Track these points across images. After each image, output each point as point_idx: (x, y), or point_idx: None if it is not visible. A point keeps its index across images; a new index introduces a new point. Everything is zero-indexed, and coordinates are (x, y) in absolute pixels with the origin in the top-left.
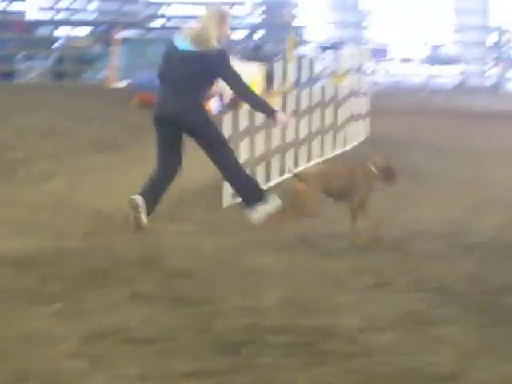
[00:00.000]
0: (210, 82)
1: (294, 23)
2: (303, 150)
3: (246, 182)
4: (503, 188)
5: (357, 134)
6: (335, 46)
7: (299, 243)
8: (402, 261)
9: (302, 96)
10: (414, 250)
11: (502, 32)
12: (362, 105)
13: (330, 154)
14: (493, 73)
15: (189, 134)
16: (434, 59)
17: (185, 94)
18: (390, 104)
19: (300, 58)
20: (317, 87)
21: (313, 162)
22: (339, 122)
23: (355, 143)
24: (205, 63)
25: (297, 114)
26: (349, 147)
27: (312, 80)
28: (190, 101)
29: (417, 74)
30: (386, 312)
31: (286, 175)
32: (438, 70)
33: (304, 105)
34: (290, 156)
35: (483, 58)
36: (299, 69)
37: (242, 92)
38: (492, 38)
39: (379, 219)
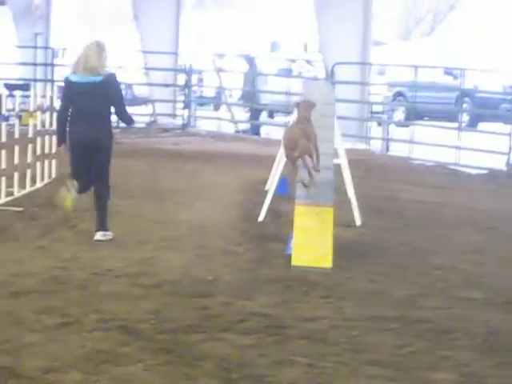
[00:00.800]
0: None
1: None
2: None
3: None
4: (189, 227)
5: (46, 173)
6: (24, 85)
7: None
8: (87, 300)
9: None
10: (100, 289)
11: (190, 73)
12: (51, 143)
13: (17, 193)
14: (182, 113)
15: (97, 154)
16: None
17: (100, 119)
18: None
19: None
20: (5, 125)
21: (1, 202)
22: (28, 161)
23: (44, 182)
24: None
25: None
26: (39, 186)
27: (1, 118)
28: (106, 125)
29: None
30: (71, 351)
31: None
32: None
33: None
34: None
35: (173, 98)
36: None
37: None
38: (181, 79)
39: (65, 259)
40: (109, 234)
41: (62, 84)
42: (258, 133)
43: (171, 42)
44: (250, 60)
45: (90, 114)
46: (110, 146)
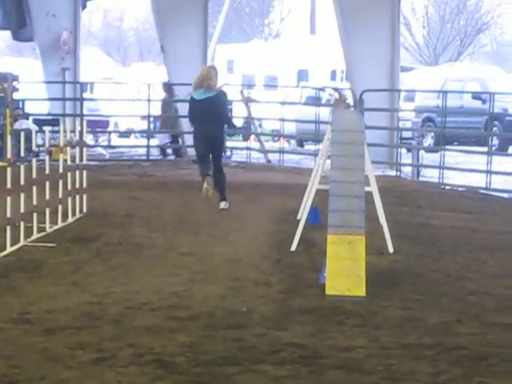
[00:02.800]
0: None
1: (14, 96)
2: (22, 226)
3: None
4: (222, 259)
5: (77, 208)
6: (53, 120)
7: (18, 320)
8: (121, 335)
9: (22, 170)
10: (134, 323)
11: None
12: (81, 179)
13: (48, 229)
14: None
15: (215, 144)
16: (152, 132)
17: (216, 121)
18: (110, 177)
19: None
20: (36, 161)
21: (33, 238)
22: (59, 197)
23: (76, 217)
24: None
25: (17, 188)
26: (70, 221)
27: (32, 154)
28: (220, 126)
29: (138, 146)
30: None
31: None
32: (155, 141)
33: (22, 179)
34: (8, 232)
35: None
36: (18, 142)
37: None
38: None
39: (98, 294)
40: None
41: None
42: (180, 155)
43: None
44: (168, 87)
45: (210, 118)
46: (223, 140)
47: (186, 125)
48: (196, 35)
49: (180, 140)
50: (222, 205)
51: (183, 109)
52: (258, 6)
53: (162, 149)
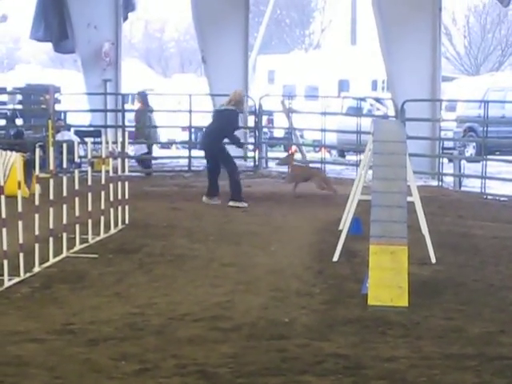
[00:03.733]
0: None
1: (56, 108)
2: (65, 237)
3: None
4: (264, 269)
5: (119, 219)
6: (95, 132)
7: (62, 331)
8: (164, 345)
9: (64, 181)
10: (177, 334)
11: (260, 114)
12: (123, 190)
13: (91, 240)
14: (253, 154)
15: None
16: (194, 143)
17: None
18: (151, 188)
19: (61, 144)
20: (78, 172)
21: (75, 249)
22: (101, 208)
23: (118, 228)
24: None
25: (59, 199)
26: (112, 232)
27: (74, 165)
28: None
29: (179, 157)
30: None
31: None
32: (198, 153)
33: (65, 190)
34: (51, 243)
35: (243, 140)
36: (61, 154)
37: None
38: (251, 121)
39: (141, 304)
40: (240, 204)
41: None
42: (149, 166)
43: (240, 84)
44: (143, 97)
45: (208, 131)
46: (218, 151)
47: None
48: (237, 46)
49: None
50: (230, 203)
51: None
52: (298, 17)
53: (141, 160)
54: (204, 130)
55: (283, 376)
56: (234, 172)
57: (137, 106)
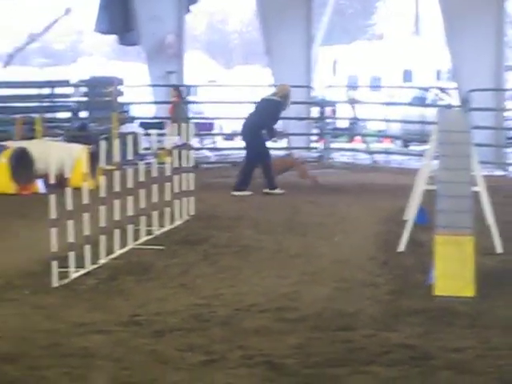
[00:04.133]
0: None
1: (119, 100)
2: (130, 229)
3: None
4: (329, 260)
5: (184, 211)
6: (159, 123)
7: (128, 323)
8: (230, 336)
9: (129, 173)
10: (243, 325)
11: (324, 105)
12: (188, 181)
13: (157, 231)
14: (317, 145)
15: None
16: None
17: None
18: (216, 180)
19: (125, 136)
20: (143, 164)
21: (141, 241)
22: (166, 199)
23: (183, 220)
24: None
25: (124, 191)
26: (177, 224)
27: (138, 157)
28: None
29: (243, 148)
30: None
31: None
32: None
33: (130, 182)
34: (116, 235)
35: (307, 130)
36: (125, 146)
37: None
38: (315, 111)
39: (207, 296)
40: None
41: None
42: None
43: (304, 74)
44: (179, 91)
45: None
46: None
47: None
48: (300, 37)
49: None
50: (266, 190)
51: None
52: (361, 7)
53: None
54: (245, 119)
55: (349, 366)
56: (266, 162)
57: (172, 99)
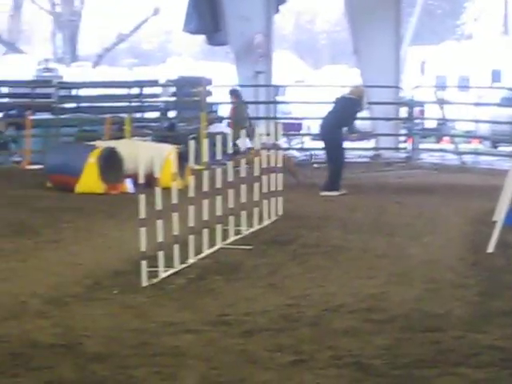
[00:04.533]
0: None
1: (208, 100)
2: (219, 229)
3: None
4: (418, 261)
5: (273, 211)
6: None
7: (217, 322)
8: (319, 337)
9: (217, 173)
10: (332, 325)
11: (412, 105)
12: (276, 181)
13: (245, 232)
14: (405, 146)
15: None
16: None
17: None
18: (305, 180)
19: (214, 136)
20: (232, 164)
21: (229, 241)
22: (254, 199)
23: (271, 220)
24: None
25: (212, 191)
26: (266, 223)
27: (226, 157)
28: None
29: None
30: None
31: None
32: (352, 144)
33: (219, 182)
34: (205, 234)
35: (396, 131)
36: (214, 146)
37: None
38: (403, 112)
39: (295, 296)
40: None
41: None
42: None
43: (392, 75)
44: (236, 93)
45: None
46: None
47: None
48: (389, 37)
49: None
50: (323, 193)
51: None
52: (450, 7)
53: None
54: (323, 119)
55: (438, 368)
56: (338, 164)
57: (232, 101)
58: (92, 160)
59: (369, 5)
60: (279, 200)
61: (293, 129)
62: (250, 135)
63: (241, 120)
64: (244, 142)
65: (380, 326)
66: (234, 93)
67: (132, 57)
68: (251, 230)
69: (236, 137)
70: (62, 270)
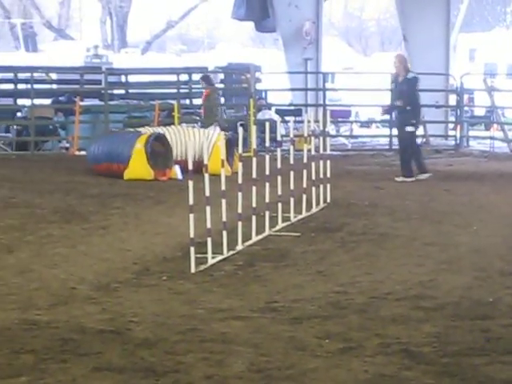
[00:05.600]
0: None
1: (257, 87)
2: (267, 215)
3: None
4: (467, 249)
5: (321, 198)
6: (296, 110)
7: (266, 309)
8: (368, 324)
9: (267, 160)
10: (380, 313)
11: (461, 93)
12: (325, 168)
13: (293, 219)
14: (454, 133)
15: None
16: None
17: None
18: (352, 167)
19: (263, 123)
20: (280, 151)
21: (277, 228)
22: (303, 186)
23: (319, 207)
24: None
25: (262, 178)
26: (314, 211)
27: (276, 144)
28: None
29: (379, 136)
30: (354, 376)
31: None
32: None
33: (267, 169)
34: (253, 221)
35: (444, 118)
36: (263, 133)
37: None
38: (453, 99)
39: (343, 283)
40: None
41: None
42: None
43: (441, 62)
44: (207, 78)
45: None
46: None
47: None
48: (438, 24)
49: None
50: (398, 179)
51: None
52: None
53: None
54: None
55: (488, 356)
56: (403, 150)
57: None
58: (139, 146)
59: None
60: (327, 187)
61: (342, 116)
62: (220, 123)
63: (213, 107)
64: (215, 130)
65: (428, 314)
66: (205, 79)
67: (181, 43)
68: (299, 217)
69: (208, 124)
70: (110, 256)
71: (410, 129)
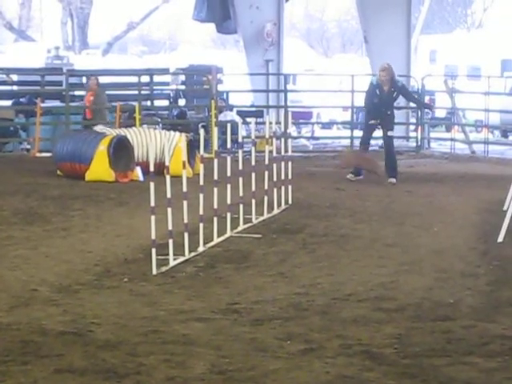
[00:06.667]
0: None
1: (218, 89)
2: (228, 217)
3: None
4: (428, 250)
5: (282, 199)
6: (257, 112)
7: (227, 311)
8: (329, 326)
9: (228, 161)
10: (341, 314)
11: (422, 94)
12: (286, 170)
13: (254, 220)
14: (415, 135)
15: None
16: (356, 123)
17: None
18: (314, 168)
19: (225, 124)
20: (242, 153)
21: (239, 229)
22: (265, 188)
23: (281, 208)
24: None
25: (223, 179)
26: (275, 212)
27: (237, 145)
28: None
29: (341, 137)
30: (315, 378)
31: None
32: (359, 133)
33: (229, 170)
34: (215, 223)
35: (406, 120)
36: (224, 134)
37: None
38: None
39: (305, 284)
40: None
41: None
42: None
43: (402, 63)
44: (95, 80)
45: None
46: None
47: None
48: (399, 26)
49: None
50: (391, 180)
51: None
52: None
53: None
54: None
55: (449, 357)
56: (392, 153)
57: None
58: (102, 148)
59: None
60: (289, 188)
61: (303, 117)
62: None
63: (101, 108)
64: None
65: (390, 315)
66: (93, 80)
67: (142, 45)
68: (261, 218)
69: (95, 124)
70: (71, 257)
71: (391, 133)
